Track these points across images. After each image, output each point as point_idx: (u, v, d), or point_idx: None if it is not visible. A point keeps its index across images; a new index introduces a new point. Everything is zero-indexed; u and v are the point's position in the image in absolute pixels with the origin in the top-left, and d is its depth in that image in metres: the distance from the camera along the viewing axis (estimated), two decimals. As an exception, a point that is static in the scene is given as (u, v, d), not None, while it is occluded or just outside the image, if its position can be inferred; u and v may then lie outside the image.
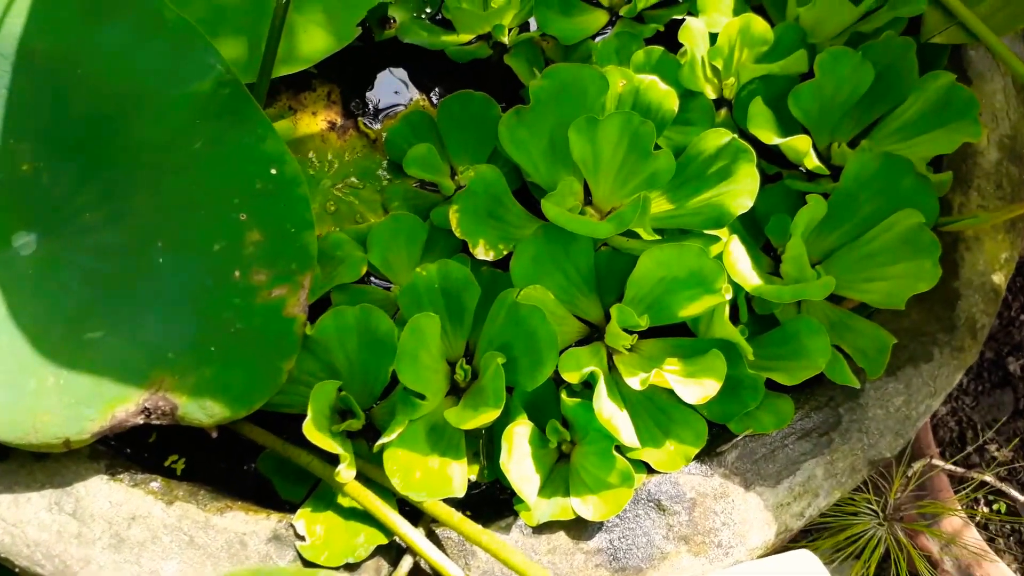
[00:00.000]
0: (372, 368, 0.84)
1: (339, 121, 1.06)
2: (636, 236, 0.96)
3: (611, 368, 0.89)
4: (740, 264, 0.88)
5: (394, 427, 0.79)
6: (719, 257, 0.86)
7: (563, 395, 0.82)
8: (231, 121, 0.78)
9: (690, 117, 1.03)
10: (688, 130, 1.02)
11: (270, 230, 0.79)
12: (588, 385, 0.85)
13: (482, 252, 0.88)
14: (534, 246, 0.86)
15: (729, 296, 0.83)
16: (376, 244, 0.91)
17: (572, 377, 0.81)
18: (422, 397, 0.79)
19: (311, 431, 0.77)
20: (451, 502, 0.83)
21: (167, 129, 0.79)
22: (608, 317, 0.89)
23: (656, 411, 0.88)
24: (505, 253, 0.89)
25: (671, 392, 0.84)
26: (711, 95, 1.05)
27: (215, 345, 0.79)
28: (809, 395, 0.92)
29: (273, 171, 0.80)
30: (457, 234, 0.88)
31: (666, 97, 0.97)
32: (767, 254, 0.99)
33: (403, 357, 0.79)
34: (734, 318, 0.91)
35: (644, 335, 0.90)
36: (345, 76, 1.08)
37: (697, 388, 0.82)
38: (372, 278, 0.97)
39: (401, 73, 1.09)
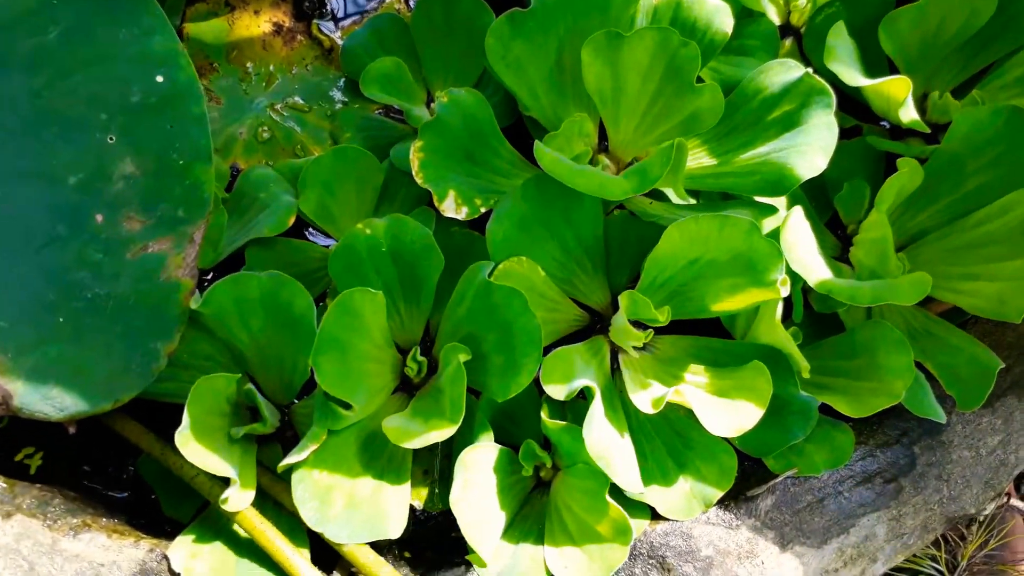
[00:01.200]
0: (288, 355, 0.62)
1: (288, 23, 0.82)
2: (664, 199, 0.73)
3: (615, 372, 0.67)
4: (802, 247, 0.64)
5: (308, 442, 0.57)
6: (774, 236, 0.62)
7: (544, 414, 0.60)
8: (102, 4, 0.55)
9: (746, 45, 0.78)
10: (743, 61, 0.77)
11: (149, 160, 0.57)
12: (583, 395, 0.62)
13: (451, 207, 0.65)
14: (522, 205, 0.63)
15: (786, 292, 0.60)
16: (311, 185, 0.68)
17: (557, 391, 0.59)
18: (346, 406, 0.57)
19: (187, 442, 0.55)
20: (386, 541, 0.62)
21: (8, 8, 0.56)
22: (616, 304, 0.66)
23: (671, 434, 0.65)
24: (484, 211, 0.66)
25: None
26: (776, 18, 0.80)
27: (64, 315, 0.56)
28: (875, 427, 0.69)
29: (159, 78, 0.56)
30: (419, 180, 0.65)
31: (716, 14, 0.72)
32: (832, 232, 0.75)
33: (323, 349, 0.57)
34: (786, 317, 0.68)
35: (662, 331, 0.67)
36: (302, -34, 0.84)
37: (729, 413, 0.59)
38: (309, 232, 0.74)
39: (375, -34, 0.85)
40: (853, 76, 0.69)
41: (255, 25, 0.81)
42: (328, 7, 0.82)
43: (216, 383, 0.57)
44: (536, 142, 0.62)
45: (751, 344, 0.66)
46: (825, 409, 0.65)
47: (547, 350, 0.63)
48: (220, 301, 0.59)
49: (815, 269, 0.63)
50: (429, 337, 0.69)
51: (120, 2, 0.56)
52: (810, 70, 0.66)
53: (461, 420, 0.58)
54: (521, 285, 0.63)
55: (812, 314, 0.72)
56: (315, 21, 0.81)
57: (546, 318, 0.66)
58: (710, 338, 0.68)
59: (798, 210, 0.65)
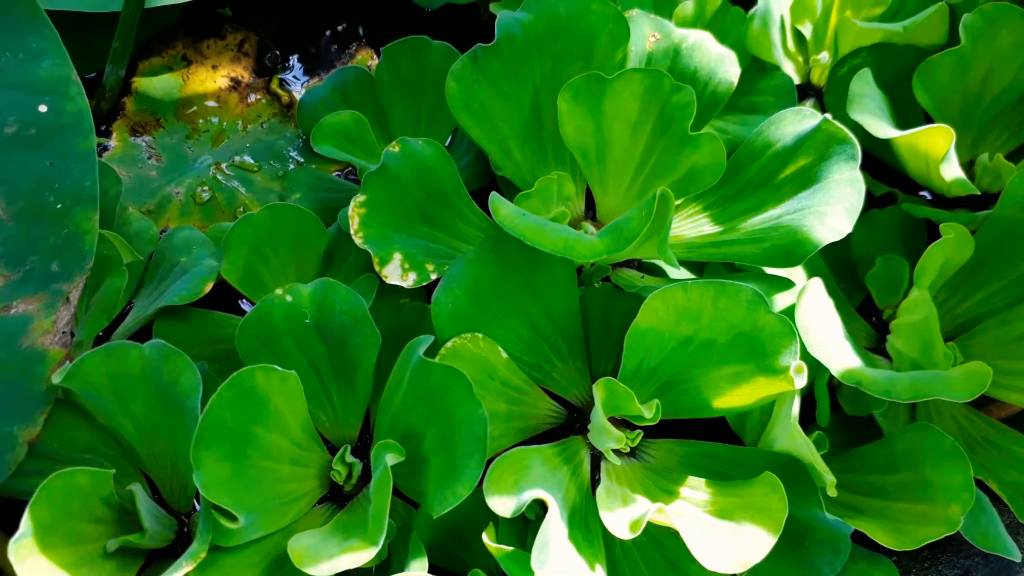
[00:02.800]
0: (181, 448, 0.50)
1: (246, 79, 0.74)
2: (659, 273, 0.61)
3: (595, 482, 0.53)
4: (822, 328, 0.51)
5: (184, 561, 0.45)
6: (788, 313, 0.50)
7: (488, 535, 0.47)
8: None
9: (757, 102, 0.68)
10: (753, 120, 0.67)
11: (20, 202, 0.47)
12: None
13: (396, 272, 0.54)
14: (475, 269, 0.52)
15: (801, 382, 0.47)
16: (237, 247, 0.58)
17: (503, 504, 0.46)
18: (232, 517, 0.45)
19: (26, 555, 0.43)
20: None
21: None
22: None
23: (664, 568, 0.51)
24: (436, 278, 0.55)
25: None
26: (794, 76, 0.70)
27: None
28: (927, 564, 0.55)
29: (42, 108, 0.48)
30: (358, 240, 0.54)
31: (720, 62, 0.63)
32: (865, 318, 0.63)
33: (207, 441, 0.45)
34: (806, 418, 0.55)
35: (656, 432, 0.54)
36: (270, 22, 0.77)
37: (731, 542, 0.46)
38: (246, 303, 0.64)
39: (349, 21, 0.77)
40: (881, 128, 0.58)
41: (210, 80, 0.73)
42: (293, 64, 0.75)
43: (77, 480, 0.46)
44: (492, 194, 0.51)
45: (763, 452, 0.53)
46: (859, 538, 0.51)
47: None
48: (90, 377, 0.47)
49: (839, 355, 0.50)
50: (368, 434, 0.56)
51: (4, 23, 0.48)
52: (829, 116, 0.55)
53: (382, 541, 0.45)
54: (476, 369, 0.51)
55: (842, 417, 0.58)
56: (277, 76, 0.74)
57: (510, 412, 0.54)
58: (714, 443, 0.55)
59: (816, 283, 0.53)
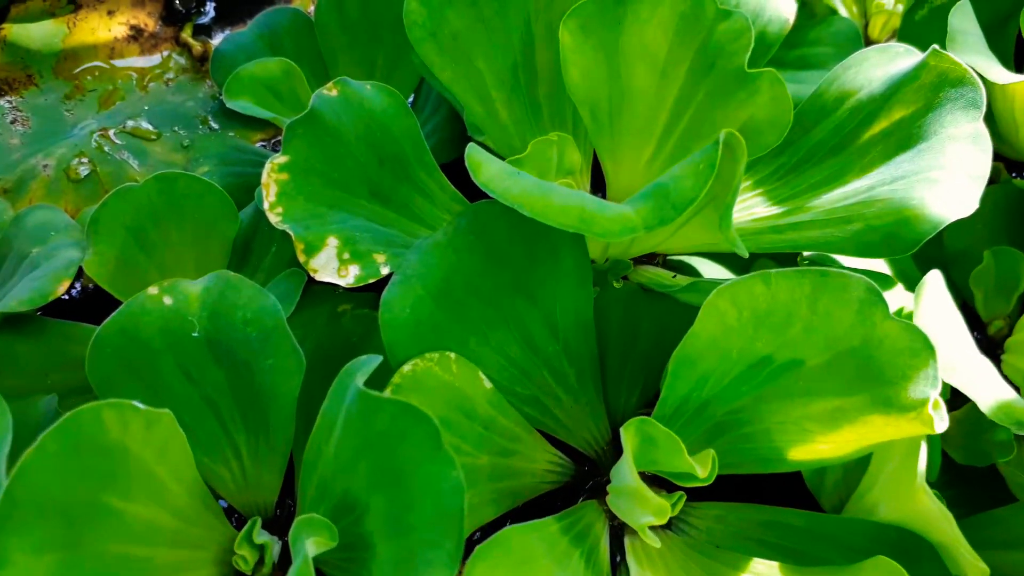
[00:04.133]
0: None
1: (150, 27, 0.57)
2: (692, 272, 0.45)
3: (618, 568, 0.37)
4: (951, 342, 0.36)
5: None
6: (906, 318, 0.34)
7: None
8: None
9: (810, 55, 0.53)
10: (809, 76, 0.52)
11: None
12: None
13: (330, 266, 0.38)
14: (446, 259, 0.35)
15: (943, 424, 0.31)
16: (107, 232, 0.41)
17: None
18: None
19: None
20: None
21: None
22: (619, 443, 0.37)
23: None
24: (388, 273, 0.38)
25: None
26: (854, 16, 0.55)
27: None
28: None
29: None
30: (274, 218, 0.37)
31: (770, -3, 0.47)
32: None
33: (12, 524, 0.27)
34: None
35: (699, 494, 0.38)
36: (186, -40, 0.60)
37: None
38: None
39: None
40: (995, 70, 0.43)
41: (104, 28, 0.56)
42: (209, 8, 0.58)
43: None
44: (470, 146, 0.35)
45: (861, 523, 0.36)
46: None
47: (492, 528, 0.34)
48: None
49: (986, 383, 0.34)
50: (293, 497, 0.39)
51: None
52: (937, 47, 0.39)
53: None
54: (445, 405, 0.35)
55: (951, 467, 0.42)
56: (189, 23, 0.57)
57: (496, 467, 0.37)
58: (785, 509, 0.38)
59: (936, 278, 0.37)
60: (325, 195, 0.39)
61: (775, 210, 0.43)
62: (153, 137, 0.52)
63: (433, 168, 0.45)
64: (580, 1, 0.41)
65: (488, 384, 0.36)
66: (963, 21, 0.45)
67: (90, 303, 0.47)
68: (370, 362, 0.32)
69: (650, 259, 0.47)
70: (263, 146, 0.53)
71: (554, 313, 0.38)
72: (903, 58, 0.41)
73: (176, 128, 0.53)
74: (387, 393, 0.33)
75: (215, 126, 0.53)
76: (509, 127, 0.46)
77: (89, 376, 0.34)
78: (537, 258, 0.36)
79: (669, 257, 0.48)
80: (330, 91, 0.40)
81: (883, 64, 0.42)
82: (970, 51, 0.43)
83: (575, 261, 0.37)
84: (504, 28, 0.44)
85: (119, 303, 0.37)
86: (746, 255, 0.35)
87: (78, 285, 0.48)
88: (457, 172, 0.48)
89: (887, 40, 0.56)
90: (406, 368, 0.34)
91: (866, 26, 0.57)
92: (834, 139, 0.43)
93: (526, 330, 0.37)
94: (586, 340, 0.39)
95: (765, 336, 0.32)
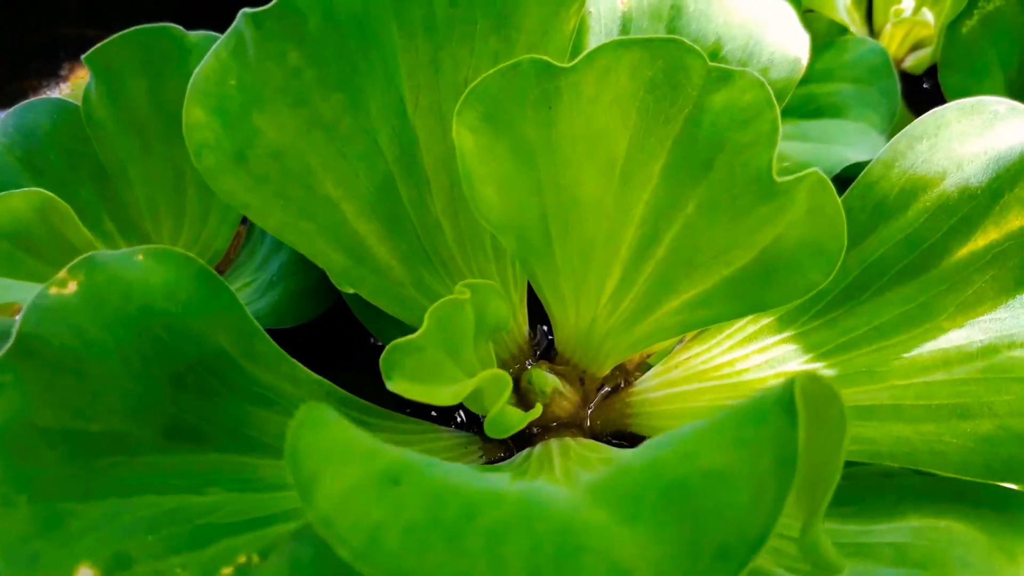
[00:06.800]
0: None
1: None
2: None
3: None
4: None
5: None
6: None
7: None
8: None
9: (822, 95, 0.37)
10: (814, 130, 0.36)
11: None
12: None
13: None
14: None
15: None
16: None
17: None
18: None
19: None
20: None
21: None
22: None
23: None
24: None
25: None
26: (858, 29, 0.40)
27: None
28: None
29: None
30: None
31: (765, 27, 0.31)
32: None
33: None
34: None
35: None
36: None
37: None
38: None
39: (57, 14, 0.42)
40: None
41: None
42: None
43: None
44: (303, 411, 0.17)
45: None
46: None
47: None
48: None
49: None
50: None
51: None
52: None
53: None
54: None
55: None
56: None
57: None
58: None
59: None
60: (69, 477, 0.22)
61: (821, 370, 0.28)
62: None
63: (275, 358, 0.27)
64: (481, 79, 0.24)
65: None
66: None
67: None
68: None
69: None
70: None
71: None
72: (1009, 124, 0.26)
73: None
74: None
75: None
76: (394, 269, 0.29)
77: None
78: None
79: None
80: (63, 287, 0.23)
81: (975, 134, 0.26)
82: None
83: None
84: (361, 127, 0.26)
85: None
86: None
87: None
88: (327, 348, 0.31)
89: (908, 59, 0.41)
90: None
91: (875, 37, 0.42)
92: (906, 256, 0.27)
93: None
94: None
95: None
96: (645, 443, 0.21)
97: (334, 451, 0.17)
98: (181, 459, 0.25)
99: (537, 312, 0.34)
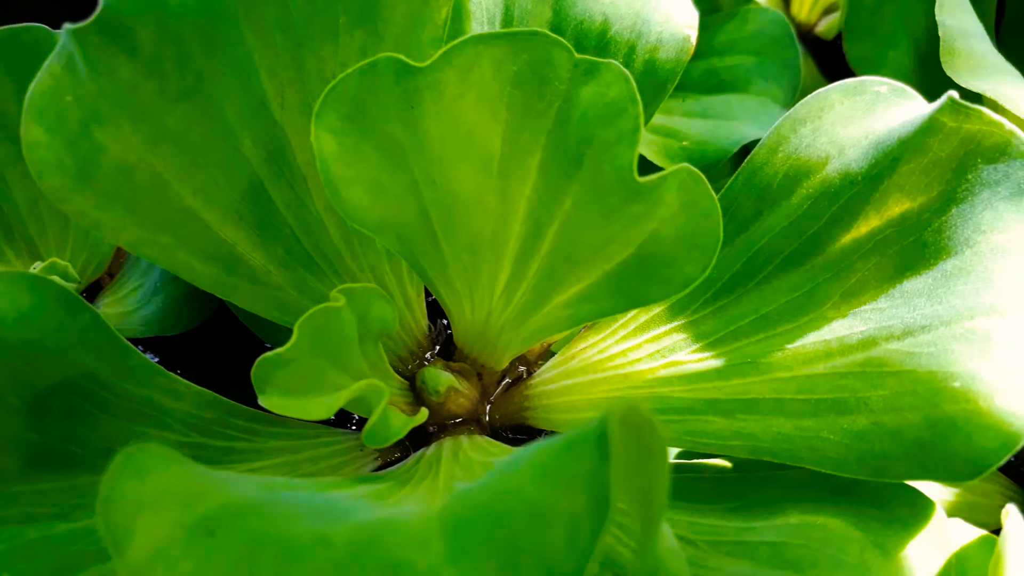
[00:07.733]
0: None
1: None
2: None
3: None
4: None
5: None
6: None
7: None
8: None
9: (724, 69, 0.36)
10: (716, 105, 0.35)
11: None
12: None
13: None
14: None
15: None
16: None
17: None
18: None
19: None
20: None
21: None
22: None
23: None
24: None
25: None
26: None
27: None
28: None
29: None
30: None
31: (653, 3, 0.30)
32: None
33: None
34: None
35: None
36: None
37: None
38: None
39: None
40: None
41: None
42: None
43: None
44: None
45: None
46: None
47: None
48: None
49: None
50: None
51: None
52: (954, 94, 0.23)
53: None
54: None
55: None
56: None
57: None
58: None
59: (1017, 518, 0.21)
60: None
61: (708, 360, 0.27)
62: None
63: (150, 372, 0.26)
64: (339, 78, 0.23)
65: None
66: (958, 14, 0.28)
67: None
68: None
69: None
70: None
71: None
72: (891, 107, 0.25)
73: None
74: None
75: None
76: (272, 274, 0.28)
77: None
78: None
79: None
80: None
81: (857, 117, 0.25)
82: (987, 71, 0.27)
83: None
84: (216, 134, 0.25)
85: None
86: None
87: None
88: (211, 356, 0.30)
89: (821, 23, 0.40)
90: None
91: (787, 5, 0.41)
92: (791, 243, 0.26)
93: None
94: None
95: None
96: (505, 459, 0.21)
97: (150, 500, 0.16)
98: (48, 486, 0.25)
99: (437, 307, 0.33)
